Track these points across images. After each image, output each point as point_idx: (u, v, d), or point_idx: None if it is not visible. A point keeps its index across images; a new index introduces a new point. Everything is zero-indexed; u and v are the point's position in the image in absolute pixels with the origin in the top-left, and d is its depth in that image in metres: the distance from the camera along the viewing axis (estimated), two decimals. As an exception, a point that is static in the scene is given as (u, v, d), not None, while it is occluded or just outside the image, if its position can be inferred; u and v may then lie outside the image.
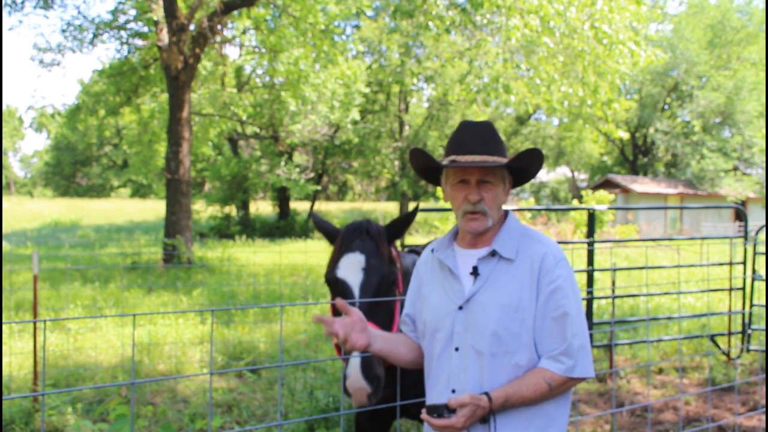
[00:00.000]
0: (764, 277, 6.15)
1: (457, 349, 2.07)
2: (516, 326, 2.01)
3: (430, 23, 13.60)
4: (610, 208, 6.92)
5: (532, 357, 2.02)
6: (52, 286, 10.91)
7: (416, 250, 3.38)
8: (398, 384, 2.52)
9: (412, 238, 22.15)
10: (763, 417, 4.95)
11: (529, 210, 8.68)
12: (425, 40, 25.66)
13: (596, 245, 7.16)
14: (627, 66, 13.93)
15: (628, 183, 35.69)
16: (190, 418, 5.04)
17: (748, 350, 6.76)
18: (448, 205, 2.22)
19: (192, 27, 14.85)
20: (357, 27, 33.60)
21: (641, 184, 35.89)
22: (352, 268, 2.62)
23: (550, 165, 46.42)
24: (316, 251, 14.27)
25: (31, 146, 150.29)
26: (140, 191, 57.31)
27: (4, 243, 19.49)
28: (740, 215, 20.77)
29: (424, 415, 1.95)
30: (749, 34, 39.33)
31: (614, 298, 6.01)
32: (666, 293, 7.16)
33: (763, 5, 39.65)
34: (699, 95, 36.30)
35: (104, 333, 7.55)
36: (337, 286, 2.64)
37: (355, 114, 24.94)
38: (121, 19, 19.20)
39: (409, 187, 33.83)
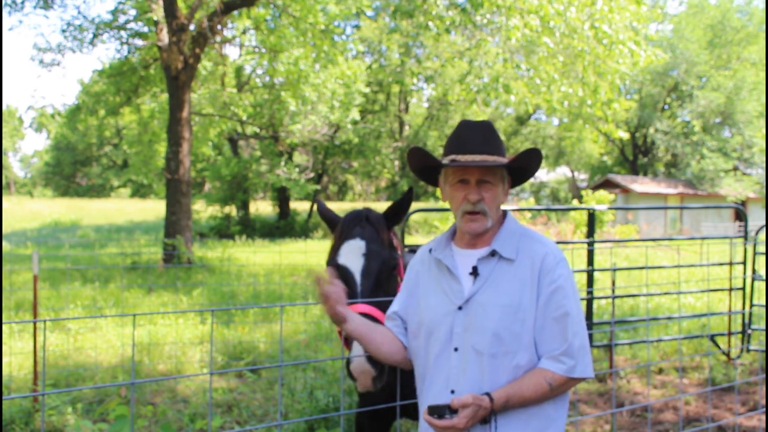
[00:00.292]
0: (764, 277, 6.15)
1: (456, 350, 2.05)
2: (517, 326, 2.00)
3: (430, 23, 13.59)
4: (610, 208, 6.91)
5: (532, 357, 2.02)
6: (52, 286, 10.91)
7: (416, 250, 3.38)
8: (398, 384, 2.52)
9: (412, 238, 22.16)
10: (763, 417, 4.95)
11: (529, 210, 8.68)
12: (425, 40, 25.66)
13: (596, 245, 7.16)
14: (627, 66, 13.93)
15: (628, 183, 35.70)
16: (190, 418, 5.04)
17: (748, 350, 6.75)
18: (447, 205, 2.21)
19: (192, 27, 14.86)
20: (357, 27, 33.63)
21: (641, 184, 35.90)
22: (353, 255, 2.64)
23: (550, 165, 46.45)
24: (316, 251, 14.26)
25: (31, 146, 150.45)
26: (140, 191, 57.32)
27: (4, 243, 19.48)
28: (740, 215, 20.77)
29: (425, 415, 1.94)
30: (749, 34, 39.33)
31: (614, 298, 6.00)
32: (666, 293, 7.16)
33: (763, 5, 39.68)
34: (699, 95, 36.31)
35: (104, 333, 7.55)
36: (339, 273, 2.65)
37: (355, 114, 24.95)
38: (121, 19, 19.21)
39: (409, 186, 33.91)
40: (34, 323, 5.08)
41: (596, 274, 8.32)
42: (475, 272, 2.08)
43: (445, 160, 2.10)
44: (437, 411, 1.91)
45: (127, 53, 19.98)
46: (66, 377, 6.03)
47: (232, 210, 32.03)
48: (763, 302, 7.05)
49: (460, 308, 2.07)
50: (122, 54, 20.16)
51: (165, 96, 19.57)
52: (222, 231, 29.79)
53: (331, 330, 7.56)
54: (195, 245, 19.22)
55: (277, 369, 6.48)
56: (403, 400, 2.60)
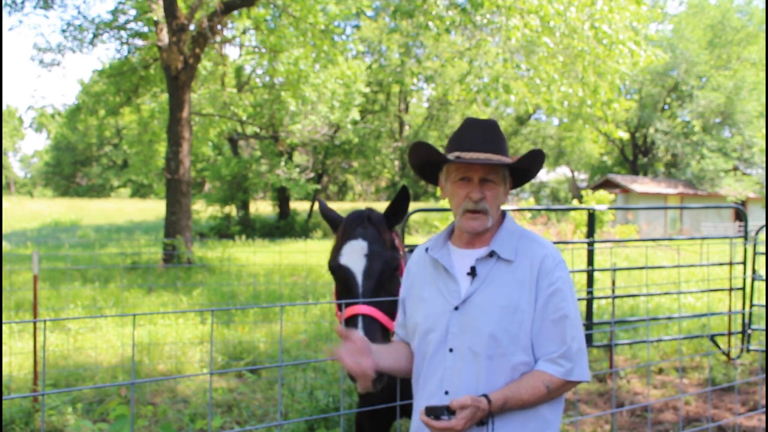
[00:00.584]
0: (764, 277, 6.15)
1: (451, 350, 2.03)
2: (514, 328, 1.99)
3: (430, 23, 13.59)
4: (610, 208, 6.91)
5: (529, 359, 2.00)
6: (52, 286, 10.91)
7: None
8: (398, 384, 2.52)
9: (412, 238, 22.15)
10: (763, 417, 4.95)
11: (529, 210, 8.68)
12: (425, 40, 25.68)
13: (596, 245, 7.16)
14: (627, 66, 13.93)
15: (628, 183, 35.70)
16: (190, 418, 5.04)
17: (748, 350, 6.75)
18: (447, 205, 2.20)
19: (192, 27, 14.86)
20: (357, 27, 33.64)
21: (641, 184, 35.90)
22: (355, 255, 2.63)
23: (550, 165, 46.45)
24: (316, 251, 14.26)
25: (31, 146, 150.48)
26: (140, 191, 57.33)
27: (4, 243, 19.48)
28: (740, 215, 20.77)
29: (422, 416, 1.91)
30: (749, 34, 39.34)
31: (614, 298, 6.00)
32: (666, 293, 7.16)
33: (763, 5, 39.68)
34: (699, 95, 36.31)
35: (104, 333, 7.55)
36: (341, 273, 2.64)
37: (355, 114, 24.95)
38: (121, 19, 19.22)
39: (409, 186, 33.91)
40: (34, 323, 5.08)
41: (596, 274, 8.32)
42: (473, 272, 2.06)
43: (450, 157, 2.07)
44: (434, 412, 1.89)
45: (127, 53, 19.99)
46: (66, 377, 6.03)
47: (232, 210, 32.03)
48: (763, 302, 7.05)
49: (456, 308, 2.05)
50: (122, 54, 20.18)
51: (165, 96, 19.58)
52: (222, 231, 29.79)
53: (331, 330, 7.56)
54: (195, 245, 19.23)
55: (277, 369, 6.48)
56: (403, 400, 2.60)
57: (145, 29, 19.55)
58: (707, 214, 34.85)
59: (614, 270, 5.91)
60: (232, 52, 58.68)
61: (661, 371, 6.53)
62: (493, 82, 14.47)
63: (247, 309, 8.89)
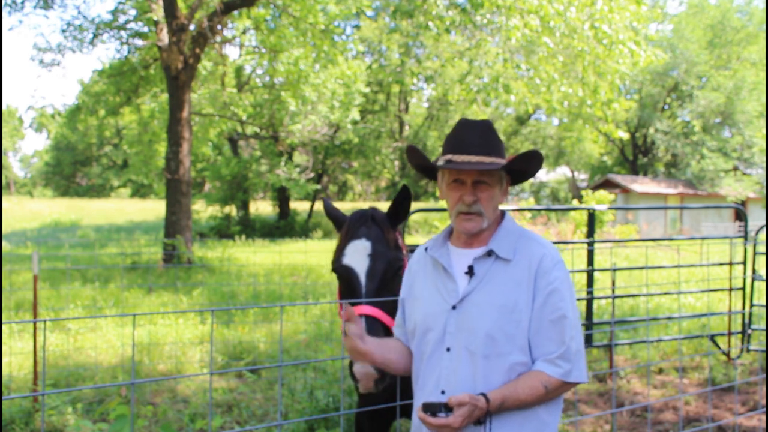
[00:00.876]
0: (764, 277, 6.15)
1: (448, 350, 2.03)
2: (511, 327, 1.98)
3: (430, 23, 13.59)
4: (610, 208, 6.92)
5: (526, 359, 1.99)
6: (52, 286, 10.91)
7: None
8: (398, 384, 2.52)
9: (412, 238, 22.15)
10: (763, 417, 4.95)
11: (529, 210, 8.68)
12: (425, 40, 25.68)
13: (596, 245, 7.16)
14: (627, 66, 13.93)
15: (628, 183, 35.70)
16: (190, 418, 5.04)
17: (748, 350, 6.76)
18: (446, 205, 2.20)
19: (192, 27, 14.86)
20: (357, 27, 33.64)
21: (641, 184, 35.90)
22: (359, 255, 2.62)
23: (550, 165, 46.45)
24: (316, 251, 14.27)
25: (31, 146, 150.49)
26: (140, 191, 57.32)
27: (4, 243, 19.48)
28: (740, 215, 20.77)
29: (419, 413, 1.90)
30: (749, 34, 39.33)
31: (614, 298, 6.00)
32: (666, 293, 7.16)
33: (763, 5, 39.68)
34: (699, 95, 36.31)
35: (104, 333, 7.55)
36: (344, 274, 2.64)
37: (355, 114, 24.95)
38: (121, 19, 19.22)
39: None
40: (34, 323, 5.08)
41: (596, 274, 8.32)
42: (470, 271, 2.05)
43: (441, 161, 2.06)
44: (432, 408, 1.87)
45: (127, 53, 20.00)
46: (66, 377, 6.03)
47: (232, 210, 32.03)
48: (763, 302, 7.05)
49: (453, 308, 2.04)
50: (122, 54, 20.18)
51: (165, 96, 19.58)
52: (222, 231, 29.80)
53: (331, 330, 7.56)
54: (195, 245, 19.23)
55: (277, 369, 6.48)
56: (403, 400, 2.60)
57: (145, 29, 19.55)
58: (707, 214, 34.85)
59: (614, 270, 5.91)
60: (232, 52, 58.73)
61: (661, 371, 6.53)
62: (493, 82, 14.47)
63: (247, 309, 8.89)
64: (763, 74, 35.42)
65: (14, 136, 74.16)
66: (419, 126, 39.73)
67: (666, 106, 39.74)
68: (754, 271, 6.62)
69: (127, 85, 20.59)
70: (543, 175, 51.36)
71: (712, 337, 6.62)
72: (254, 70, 27.63)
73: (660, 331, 7.77)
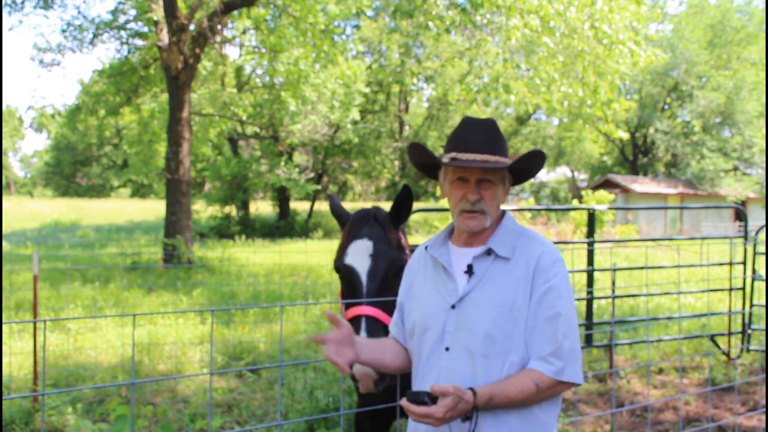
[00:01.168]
0: (764, 277, 6.15)
1: (447, 349, 2.02)
2: (510, 326, 1.96)
3: (430, 23, 13.60)
4: (610, 208, 6.92)
5: (525, 358, 1.97)
6: (52, 286, 10.91)
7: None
8: (398, 384, 2.52)
9: (412, 238, 22.14)
10: (763, 417, 4.95)
11: (529, 210, 8.68)
12: (425, 40, 25.67)
13: (596, 245, 7.17)
14: (627, 66, 13.93)
15: (628, 183, 35.70)
16: (190, 418, 5.04)
17: (748, 350, 6.76)
18: (447, 205, 2.19)
19: (192, 27, 14.86)
20: (357, 27, 33.63)
21: (641, 184, 35.90)
22: (360, 255, 2.62)
23: (550, 165, 46.44)
24: (316, 251, 14.26)
25: (31, 146, 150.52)
26: (140, 191, 57.33)
27: (4, 243, 19.48)
28: (740, 215, 20.77)
29: (404, 401, 1.85)
30: (749, 34, 39.33)
31: (614, 298, 6.00)
32: (666, 293, 7.17)
33: (763, 5, 39.68)
34: (699, 95, 36.32)
35: (104, 333, 7.55)
36: (346, 273, 2.63)
37: (355, 114, 24.95)
38: (121, 19, 19.23)
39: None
40: (34, 323, 5.08)
41: (596, 274, 8.32)
42: (470, 270, 2.04)
43: (445, 159, 2.05)
44: (415, 397, 1.82)
45: (127, 53, 20.00)
46: (66, 377, 6.03)
47: (232, 210, 32.04)
48: (763, 302, 7.06)
49: (453, 307, 2.03)
50: (122, 54, 20.19)
51: (165, 96, 19.59)
52: (222, 231, 29.80)
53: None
54: (195, 245, 19.23)
55: (277, 369, 6.48)
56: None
57: (145, 29, 19.56)
58: (707, 214, 34.85)
59: (614, 270, 5.91)
60: (232, 52, 58.73)
61: (661, 371, 6.53)
62: (493, 82, 14.47)
63: (247, 309, 8.89)
64: (763, 74, 35.42)
65: (14, 136, 74.17)
66: (419, 126, 39.72)
67: (666, 106, 39.74)
68: (754, 271, 6.62)
69: (127, 85, 20.59)
70: (543, 175, 51.33)
71: (712, 337, 6.62)
72: (254, 70, 27.64)
73: (660, 331, 7.77)
